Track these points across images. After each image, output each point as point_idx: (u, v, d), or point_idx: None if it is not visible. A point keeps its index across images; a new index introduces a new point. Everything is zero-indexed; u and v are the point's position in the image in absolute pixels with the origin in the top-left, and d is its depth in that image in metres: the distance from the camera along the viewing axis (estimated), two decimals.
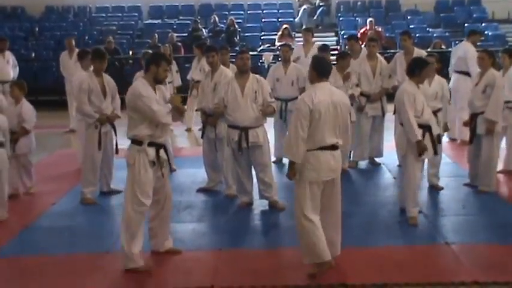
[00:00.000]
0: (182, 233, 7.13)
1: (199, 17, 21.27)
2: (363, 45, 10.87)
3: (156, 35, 18.88)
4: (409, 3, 22.63)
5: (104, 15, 23.06)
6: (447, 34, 20.29)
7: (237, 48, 18.45)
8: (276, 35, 19.21)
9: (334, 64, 8.22)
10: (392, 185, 8.87)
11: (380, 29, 19.00)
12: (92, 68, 8.42)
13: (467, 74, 11.09)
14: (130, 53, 19.57)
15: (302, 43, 11.95)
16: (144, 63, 6.21)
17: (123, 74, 17.07)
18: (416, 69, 7.10)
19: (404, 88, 7.07)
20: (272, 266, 6.09)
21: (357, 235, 6.83)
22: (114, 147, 8.40)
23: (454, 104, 11.20)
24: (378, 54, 10.01)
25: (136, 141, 5.97)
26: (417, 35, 18.92)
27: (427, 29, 20.87)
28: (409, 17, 21.90)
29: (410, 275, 5.76)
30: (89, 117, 8.23)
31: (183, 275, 5.94)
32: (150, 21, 22.62)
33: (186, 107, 13.47)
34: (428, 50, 14.08)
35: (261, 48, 19.63)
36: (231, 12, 22.10)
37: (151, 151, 5.96)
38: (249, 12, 22.84)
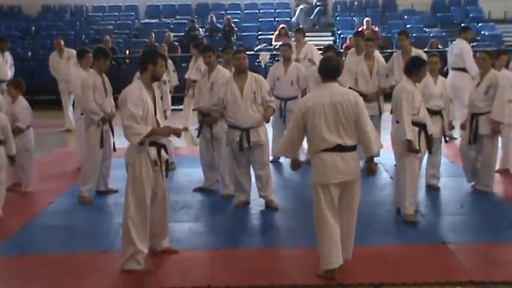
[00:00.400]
0: (179, 232, 7.12)
1: (196, 17, 21.28)
2: None
3: (153, 35, 18.85)
4: (406, 3, 22.67)
5: (100, 14, 23.04)
6: (444, 34, 20.30)
7: (234, 48, 18.48)
8: (273, 34, 19.22)
9: None
10: (389, 184, 8.87)
11: (377, 29, 19.01)
12: (92, 66, 8.44)
13: (464, 70, 11.27)
14: (127, 52, 19.57)
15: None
16: (139, 63, 6.06)
17: (120, 74, 17.06)
18: (414, 69, 7.11)
19: (403, 86, 7.08)
20: (269, 266, 6.09)
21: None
22: (112, 146, 8.40)
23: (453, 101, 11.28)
24: (378, 54, 10.03)
25: None
26: (414, 34, 18.91)
27: (424, 28, 20.89)
28: (405, 17, 21.93)
29: (407, 275, 5.76)
30: (95, 114, 8.16)
31: (179, 275, 5.93)
32: (147, 20, 22.61)
33: (182, 106, 13.62)
34: (425, 49, 14.09)
35: (258, 47, 19.63)
36: (228, 11, 22.10)
37: (153, 151, 5.94)
38: (246, 11, 22.85)
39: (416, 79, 7.16)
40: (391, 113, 7.62)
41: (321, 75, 5.80)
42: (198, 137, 8.58)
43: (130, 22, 22.32)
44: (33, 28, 21.53)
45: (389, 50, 17.80)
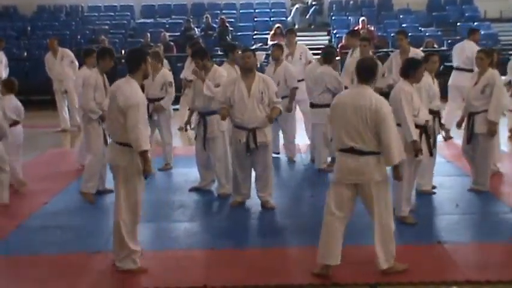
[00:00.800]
0: (175, 232, 7.11)
1: (191, 17, 21.24)
2: None
3: (149, 34, 18.82)
4: (402, 2, 22.68)
5: (96, 14, 23.00)
6: (439, 33, 20.32)
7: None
8: (268, 34, 19.21)
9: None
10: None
11: (372, 28, 19.02)
12: (95, 65, 8.49)
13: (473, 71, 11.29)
14: (123, 52, 19.50)
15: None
16: (131, 62, 5.96)
17: (115, 73, 16.99)
18: (411, 70, 7.03)
19: (401, 87, 7.01)
20: (265, 265, 6.07)
21: (349, 234, 6.82)
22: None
23: (453, 100, 11.31)
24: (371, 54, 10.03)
25: (127, 144, 5.80)
26: (409, 34, 18.85)
27: (419, 28, 20.90)
28: (401, 16, 21.93)
29: (403, 274, 5.75)
30: (93, 113, 8.24)
31: (175, 275, 5.92)
32: (142, 20, 22.58)
33: (179, 106, 13.58)
34: (421, 49, 14.06)
35: (254, 47, 19.59)
36: (224, 11, 22.08)
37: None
38: (241, 11, 22.84)
39: (414, 80, 7.09)
40: None
41: (357, 77, 5.84)
42: (195, 138, 8.57)
43: (125, 22, 22.28)
44: (29, 28, 21.48)
45: (384, 50, 17.82)
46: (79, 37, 20.39)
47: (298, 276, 5.79)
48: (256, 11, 22.82)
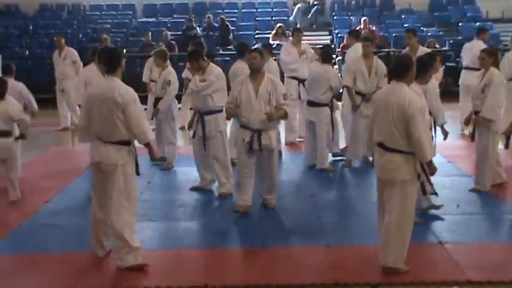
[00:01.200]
0: (175, 231, 7.11)
1: (193, 16, 21.23)
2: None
3: (150, 33, 18.82)
4: (403, 2, 22.65)
5: (98, 13, 23.01)
6: (441, 33, 20.29)
7: (231, 47, 18.47)
8: (270, 33, 19.18)
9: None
10: None
11: (374, 28, 19.00)
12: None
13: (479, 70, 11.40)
14: (124, 51, 19.49)
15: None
16: (110, 62, 6.01)
17: None
18: (421, 71, 6.78)
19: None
20: (265, 265, 6.08)
21: (349, 234, 6.83)
22: None
23: (465, 100, 11.35)
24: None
25: (124, 142, 5.89)
26: None
27: (421, 28, 20.85)
28: (403, 16, 21.90)
29: (404, 274, 5.75)
30: None
31: (176, 274, 5.92)
32: (144, 19, 22.58)
33: (180, 105, 13.58)
34: None
35: (255, 46, 19.55)
36: (225, 10, 22.08)
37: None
38: (243, 10, 22.82)
39: (421, 81, 6.99)
40: None
41: (391, 73, 5.98)
42: (193, 137, 8.55)
43: (127, 21, 22.28)
44: (31, 27, 21.48)
45: (386, 49, 17.82)
46: (81, 36, 20.39)
47: (298, 275, 5.79)
48: (258, 10, 22.81)
